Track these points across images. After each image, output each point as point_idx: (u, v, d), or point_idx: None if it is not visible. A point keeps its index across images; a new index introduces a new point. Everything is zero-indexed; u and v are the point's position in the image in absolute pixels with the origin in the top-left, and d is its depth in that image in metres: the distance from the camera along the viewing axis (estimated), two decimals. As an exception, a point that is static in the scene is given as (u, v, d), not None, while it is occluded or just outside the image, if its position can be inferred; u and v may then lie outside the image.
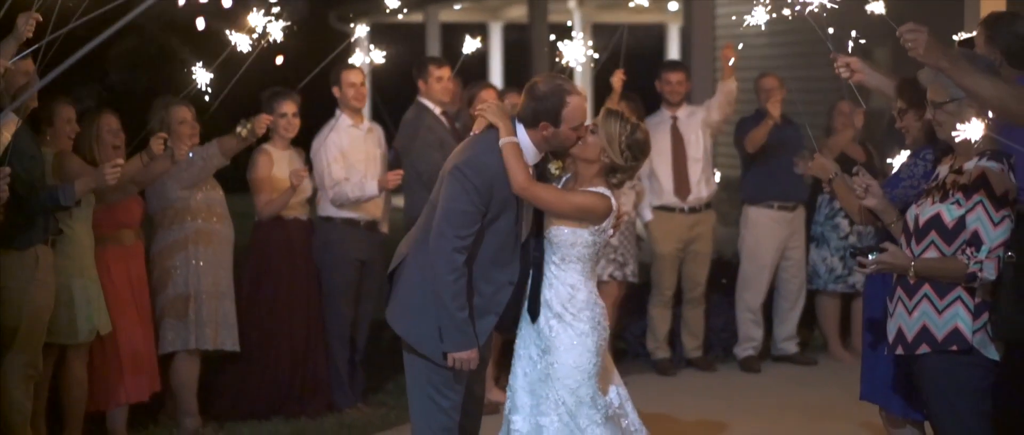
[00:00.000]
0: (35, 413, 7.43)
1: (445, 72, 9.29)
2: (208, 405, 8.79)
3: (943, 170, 5.77)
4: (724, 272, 10.92)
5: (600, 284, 9.84)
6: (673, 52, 24.73)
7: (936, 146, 6.06)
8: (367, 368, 9.46)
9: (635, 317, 10.68)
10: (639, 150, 6.16)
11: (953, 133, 5.49)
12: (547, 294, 6.18)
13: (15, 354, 7.16)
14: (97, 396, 8.10)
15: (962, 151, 5.65)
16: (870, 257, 5.58)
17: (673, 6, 20.40)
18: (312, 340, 9.01)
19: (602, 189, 6.12)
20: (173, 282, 8.45)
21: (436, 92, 9.23)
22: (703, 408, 9.37)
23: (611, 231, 6.21)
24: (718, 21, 17.17)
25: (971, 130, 5.17)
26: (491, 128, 6.12)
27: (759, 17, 6.81)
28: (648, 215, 10.34)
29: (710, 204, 10.48)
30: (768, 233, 10.57)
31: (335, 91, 9.07)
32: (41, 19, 6.65)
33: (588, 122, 6.15)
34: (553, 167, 6.26)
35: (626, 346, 10.70)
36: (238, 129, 8.29)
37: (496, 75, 24.93)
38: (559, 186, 6.23)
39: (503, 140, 6.02)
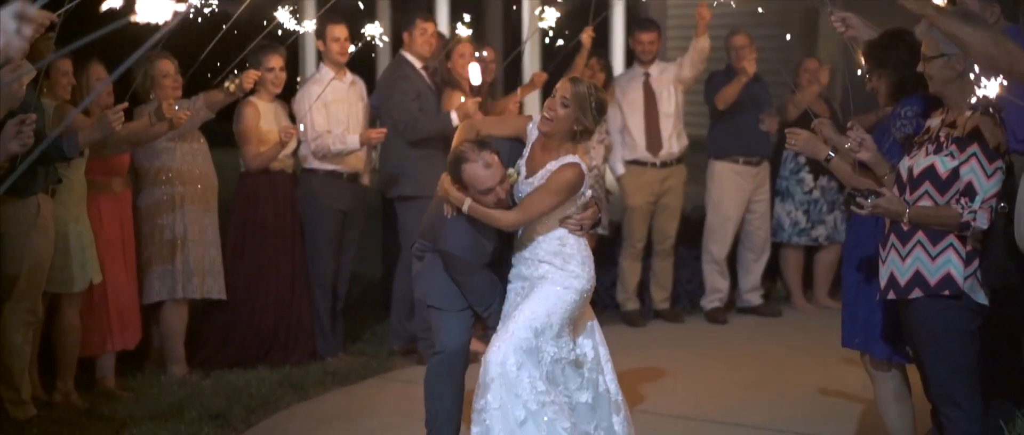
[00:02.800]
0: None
1: (430, 26, 9.41)
2: (194, 353, 8.90)
3: (934, 122, 5.95)
4: (691, 226, 11.10)
5: (569, 237, 10.12)
6: (618, 9, 24.73)
7: (925, 98, 6.25)
8: (346, 318, 9.59)
9: (604, 269, 10.79)
10: (603, 106, 6.38)
11: (943, 87, 5.73)
12: (539, 251, 6.44)
13: (16, 301, 7.26)
14: (86, 343, 8.16)
15: (954, 104, 5.85)
16: (868, 200, 5.76)
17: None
18: (297, 289, 9.14)
19: (571, 158, 6.34)
20: (160, 232, 8.55)
21: (418, 45, 9.33)
22: (672, 358, 9.52)
23: (589, 193, 6.46)
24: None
25: (989, 89, 5.33)
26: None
27: None
28: (620, 169, 10.52)
29: (681, 159, 10.65)
30: (733, 186, 10.77)
31: (319, 45, 9.17)
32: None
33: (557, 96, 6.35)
34: (511, 172, 6.43)
35: (596, 297, 10.76)
36: (226, 84, 8.37)
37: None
38: (520, 186, 6.44)
39: (465, 208, 6.29)
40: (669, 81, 10.54)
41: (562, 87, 6.31)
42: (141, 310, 8.58)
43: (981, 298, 5.80)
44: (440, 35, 9.81)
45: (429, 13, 9.88)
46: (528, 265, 6.45)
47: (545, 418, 6.22)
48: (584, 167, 6.33)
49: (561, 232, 6.41)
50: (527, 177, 6.39)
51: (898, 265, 5.89)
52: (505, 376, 6.22)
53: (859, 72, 6.62)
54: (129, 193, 8.47)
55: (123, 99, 7.98)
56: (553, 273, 6.38)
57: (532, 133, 6.46)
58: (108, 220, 8.19)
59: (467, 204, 6.27)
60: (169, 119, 7.95)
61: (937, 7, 5.69)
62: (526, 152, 6.47)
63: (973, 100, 5.53)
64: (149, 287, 8.60)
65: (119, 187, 8.33)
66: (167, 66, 8.41)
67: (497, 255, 6.53)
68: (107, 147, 7.97)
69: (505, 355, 6.23)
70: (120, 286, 8.30)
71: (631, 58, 10.76)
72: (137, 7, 3.43)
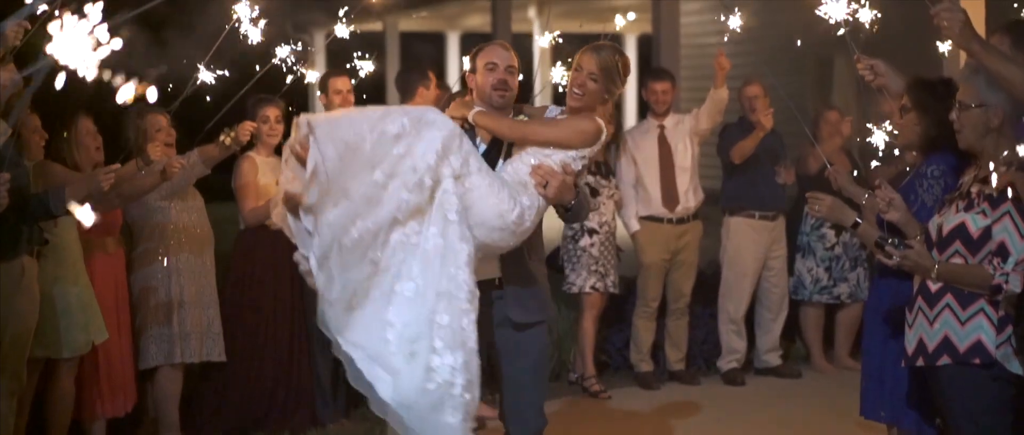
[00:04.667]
0: (16, 427, 7.22)
1: (432, 93, 9.16)
2: (189, 418, 8.62)
3: (966, 178, 5.65)
4: (706, 284, 10.79)
5: (582, 296, 9.82)
6: (631, 61, 24.65)
7: (953, 156, 5.94)
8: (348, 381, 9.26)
9: (617, 329, 10.56)
10: (628, 67, 5.89)
11: (976, 141, 5.43)
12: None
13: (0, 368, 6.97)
14: (77, 408, 7.89)
15: (986, 160, 5.53)
16: (898, 249, 5.42)
17: (631, 16, 20.39)
18: (296, 351, 8.84)
19: (598, 119, 5.87)
20: (155, 293, 8.28)
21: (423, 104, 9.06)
22: (688, 423, 9.27)
23: (580, 164, 5.85)
24: (684, 30, 17.09)
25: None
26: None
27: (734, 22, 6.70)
28: (635, 225, 10.21)
29: (697, 214, 10.35)
30: (749, 242, 10.47)
31: (321, 99, 8.95)
32: (29, 26, 6.43)
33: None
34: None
35: (608, 358, 10.56)
36: (221, 137, 8.12)
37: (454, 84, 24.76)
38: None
39: (470, 116, 5.87)
40: (685, 133, 10.25)
41: (585, 60, 5.83)
42: (136, 374, 8.30)
43: (1015, 368, 5.47)
44: (445, 87, 9.54)
45: (425, 72, 9.54)
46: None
47: None
48: (605, 133, 5.85)
49: (525, 177, 5.76)
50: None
51: (926, 329, 5.59)
52: None
53: (887, 123, 6.34)
54: (123, 252, 8.25)
55: (114, 154, 7.77)
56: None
57: (552, 113, 6.09)
58: (102, 281, 7.95)
59: (474, 111, 5.87)
60: (162, 170, 7.70)
61: (983, 42, 5.43)
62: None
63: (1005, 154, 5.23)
64: (145, 351, 8.32)
65: (112, 246, 8.11)
66: (159, 120, 8.18)
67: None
68: (95, 204, 7.69)
69: None
70: (113, 350, 8.05)
71: (644, 110, 10.45)
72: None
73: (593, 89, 5.80)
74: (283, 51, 7.24)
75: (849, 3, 6.16)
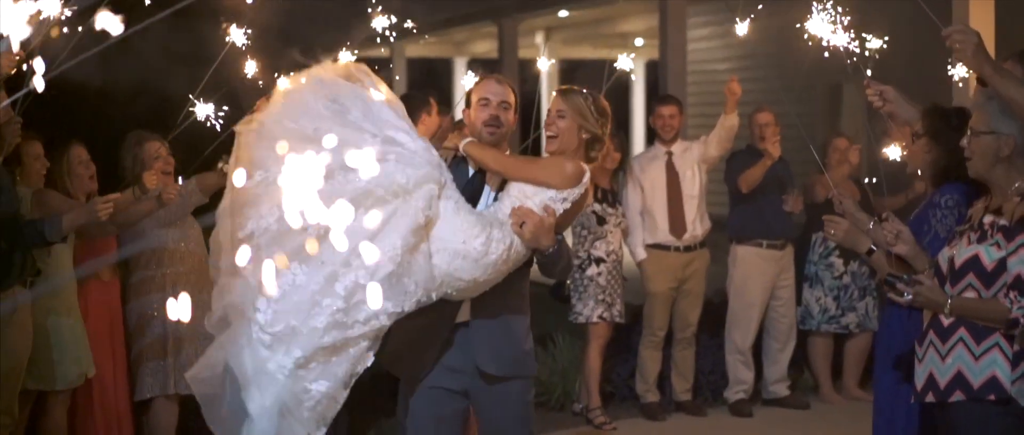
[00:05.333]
0: (8, 462, 7.12)
1: (434, 120, 8.98)
2: (185, 452, 8.45)
3: (977, 209, 5.49)
4: (713, 313, 10.64)
5: (588, 326, 9.66)
6: (639, 87, 24.64)
7: (966, 186, 5.79)
8: (350, 412, 9.11)
9: (622, 358, 10.41)
10: (606, 112, 5.86)
11: (987, 171, 5.29)
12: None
13: (-10, 402, 6.85)
14: (70, 442, 7.78)
15: (999, 189, 5.38)
16: (908, 287, 5.26)
17: (638, 41, 20.35)
18: (294, 383, 8.66)
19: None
20: (150, 324, 8.15)
21: (419, 133, 8.89)
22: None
23: (560, 207, 5.67)
24: (691, 56, 17.01)
25: None
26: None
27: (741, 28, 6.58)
28: (641, 253, 10.06)
29: (705, 242, 10.20)
30: (757, 272, 10.33)
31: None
32: (24, 54, 6.34)
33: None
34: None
35: (613, 389, 10.41)
36: (219, 164, 7.99)
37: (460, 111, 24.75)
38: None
39: (462, 146, 5.80)
40: (693, 160, 10.12)
41: (553, 102, 5.87)
42: (132, 406, 8.18)
43: (1031, 404, 5.29)
44: (448, 114, 9.38)
45: (426, 98, 9.38)
46: None
47: None
48: (587, 176, 5.73)
49: (503, 216, 5.64)
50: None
51: (937, 364, 5.43)
52: None
53: (895, 149, 6.20)
54: (118, 282, 8.15)
55: (109, 182, 7.67)
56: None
57: None
58: (96, 311, 7.86)
59: (465, 141, 5.79)
60: (157, 196, 7.58)
61: (995, 65, 5.29)
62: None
63: (1017, 185, 5.07)
64: (141, 383, 8.20)
65: (107, 275, 8.02)
66: (157, 147, 8.06)
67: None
68: (90, 231, 7.59)
69: None
70: (107, 381, 7.96)
71: (651, 137, 10.31)
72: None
73: (565, 127, 5.76)
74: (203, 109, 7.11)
75: (856, 33, 6.05)
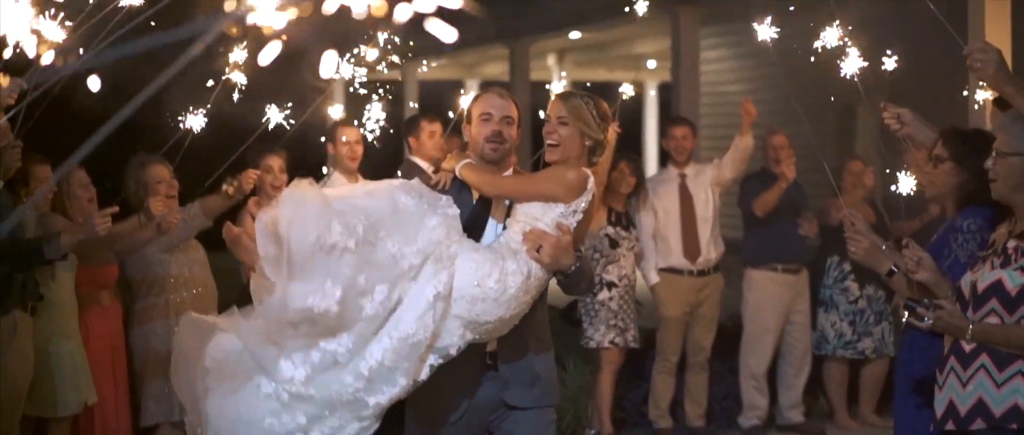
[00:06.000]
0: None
1: (437, 127, 8.88)
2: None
3: (1000, 233, 5.34)
4: (726, 338, 10.50)
5: (600, 351, 9.51)
6: (651, 110, 24.57)
7: (991, 211, 5.64)
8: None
9: (635, 384, 10.28)
10: (607, 117, 5.62)
11: (1012, 193, 5.14)
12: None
13: (-10, 429, 6.75)
14: (71, 470, 7.68)
15: (1021, 213, 5.23)
16: (929, 311, 5.12)
17: (651, 64, 20.25)
18: (302, 409, 8.54)
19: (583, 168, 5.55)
20: (155, 349, 8.04)
21: (428, 148, 8.81)
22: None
23: (573, 221, 5.48)
24: (704, 78, 16.91)
25: None
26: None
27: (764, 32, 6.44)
28: (654, 277, 9.94)
29: (718, 267, 10.07)
30: (772, 296, 10.21)
31: (329, 147, 8.72)
32: (26, 86, 6.27)
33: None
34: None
35: (625, 414, 10.27)
36: (223, 187, 7.91)
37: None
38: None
39: (458, 168, 5.58)
40: (706, 183, 10.02)
41: (552, 108, 5.58)
42: (136, 433, 8.08)
43: (1055, 433, 5.14)
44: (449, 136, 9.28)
45: (434, 112, 9.28)
46: None
47: None
48: (591, 180, 5.49)
49: (516, 245, 5.42)
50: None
51: (958, 391, 5.28)
52: None
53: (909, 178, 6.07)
54: (119, 306, 8.05)
55: (109, 204, 7.57)
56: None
57: None
58: (97, 336, 7.78)
59: (462, 164, 5.55)
60: (158, 223, 7.47)
61: (1018, 84, 5.15)
62: None
63: None
64: (144, 408, 8.10)
65: (107, 300, 7.91)
66: (161, 171, 8.00)
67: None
68: (92, 257, 7.49)
69: None
70: (109, 407, 7.85)
71: (664, 159, 10.19)
72: None
73: (566, 134, 5.50)
74: (277, 114, 7.01)
75: (869, 55, 5.96)
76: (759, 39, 6.42)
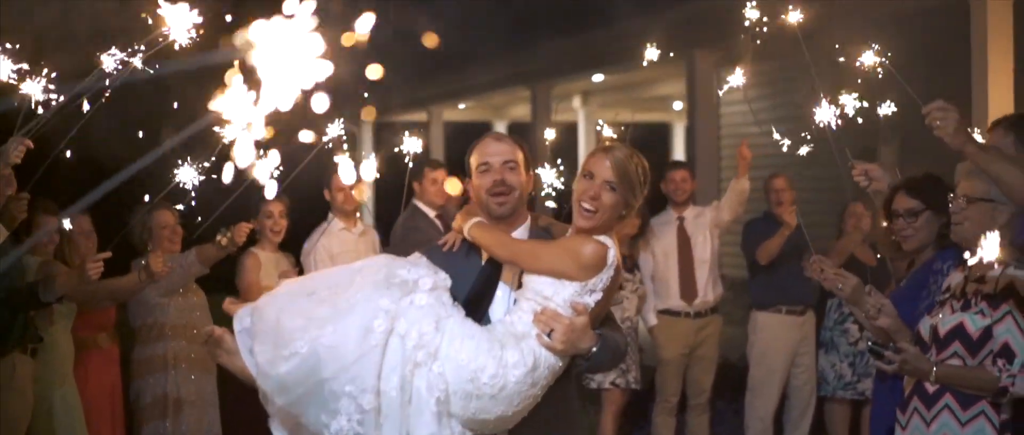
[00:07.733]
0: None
1: (440, 175, 8.97)
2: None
3: (956, 278, 5.40)
4: (728, 378, 10.52)
5: (602, 392, 9.56)
6: (678, 151, 24.60)
7: (956, 251, 5.70)
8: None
9: (636, 425, 10.32)
10: (647, 173, 4.79)
11: (976, 238, 5.19)
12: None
13: (-14, 472, 6.85)
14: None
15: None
16: (894, 355, 5.19)
17: (677, 105, 20.29)
18: (302, 452, 8.60)
19: (602, 237, 4.70)
20: (154, 392, 8.14)
21: (430, 194, 8.92)
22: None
23: (591, 300, 4.68)
24: (724, 120, 16.96)
25: (988, 248, 4.86)
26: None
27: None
28: (652, 319, 9.99)
29: (717, 308, 10.11)
30: (778, 338, 10.23)
31: (326, 194, 8.80)
32: (32, 145, 6.41)
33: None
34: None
35: (628, 457, 10.33)
36: (218, 237, 7.98)
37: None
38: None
39: (466, 228, 4.88)
40: (705, 225, 10.09)
41: (597, 165, 4.71)
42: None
43: (1017, 474, 5.19)
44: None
45: (439, 161, 9.41)
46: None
47: None
48: (613, 254, 4.68)
49: (521, 327, 4.67)
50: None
51: (922, 431, 5.35)
52: None
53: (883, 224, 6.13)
54: (116, 349, 8.14)
55: (114, 251, 7.67)
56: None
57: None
58: (95, 378, 7.88)
59: (471, 222, 4.85)
60: (146, 270, 7.58)
61: (978, 144, 5.25)
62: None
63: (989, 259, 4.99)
64: (142, 452, 8.16)
65: (105, 342, 8.01)
66: (166, 217, 8.10)
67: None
68: (87, 302, 7.58)
69: None
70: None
71: (662, 201, 10.25)
72: None
73: (609, 203, 4.67)
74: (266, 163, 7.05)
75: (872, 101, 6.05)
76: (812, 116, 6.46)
